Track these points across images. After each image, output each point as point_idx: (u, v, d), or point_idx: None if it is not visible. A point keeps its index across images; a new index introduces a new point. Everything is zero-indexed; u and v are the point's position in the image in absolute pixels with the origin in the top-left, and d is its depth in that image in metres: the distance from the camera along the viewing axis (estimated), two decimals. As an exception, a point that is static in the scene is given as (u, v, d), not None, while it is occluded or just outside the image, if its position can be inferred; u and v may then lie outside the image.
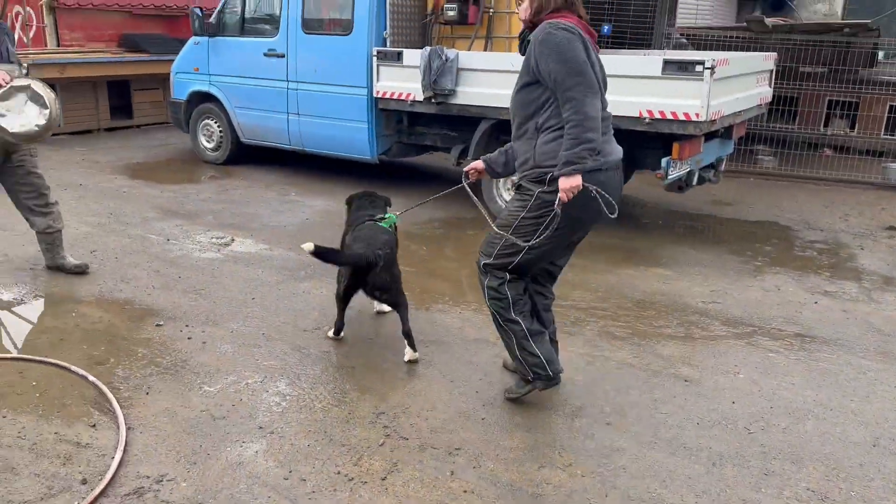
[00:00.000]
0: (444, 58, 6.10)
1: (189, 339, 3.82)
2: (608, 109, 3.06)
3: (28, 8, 9.38)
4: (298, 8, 7.12)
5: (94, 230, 5.60)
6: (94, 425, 2.98)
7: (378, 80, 6.67)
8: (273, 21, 7.48)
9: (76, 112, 9.48)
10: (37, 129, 4.00)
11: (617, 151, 3.07)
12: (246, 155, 8.09)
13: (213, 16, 7.73)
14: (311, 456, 2.84)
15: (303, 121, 7.32)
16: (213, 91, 7.87)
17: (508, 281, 3.15)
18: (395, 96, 6.63)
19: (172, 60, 8.50)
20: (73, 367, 3.41)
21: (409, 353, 3.64)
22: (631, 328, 4.19)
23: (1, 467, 2.67)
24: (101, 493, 2.54)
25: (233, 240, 5.54)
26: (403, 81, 6.52)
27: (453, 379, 3.50)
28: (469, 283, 4.86)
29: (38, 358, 3.51)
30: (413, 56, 6.35)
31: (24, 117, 3.94)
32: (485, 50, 6.87)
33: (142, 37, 10.25)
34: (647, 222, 6.62)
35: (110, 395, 3.17)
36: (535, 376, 3.21)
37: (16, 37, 8.83)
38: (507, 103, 5.96)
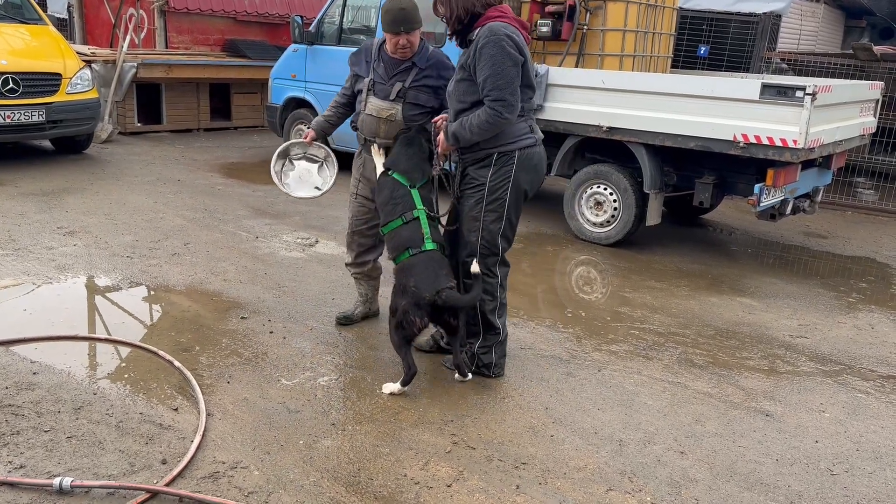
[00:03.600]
0: (533, 73, 6.09)
1: (271, 333, 3.95)
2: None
3: (141, 10, 9.94)
4: (394, 19, 7.26)
5: (189, 224, 5.86)
6: (176, 409, 3.11)
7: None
8: (369, 32, 7.67)
9: (179, 111, 9.99)
10: (314, 194, 4.19)
11: (537, 131, 3.46)
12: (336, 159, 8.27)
13: (313, 25, 7.99)
14: (379, 456, 2.87)
15: (390, 129, 7.45)
16: (308, 97, 8.12)
17: (501, 282, 3.54)
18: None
19: (271, 66, 8.84)
20: (161, 352, 3.58)
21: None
22: (711, 357, 4.06)
23: (89, 441, 2.82)
24: (179, 475, 2.65)
25: (317, 241, 5.69)
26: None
27: (523, 393, 3.48)
28: (544, 299, 4.83)
29: (128, 341, 3.70)
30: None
31: (309, 180, 4.16)
32: (576, 66, 6.83)
33: (244, 42, 10.70)
34: (735, 249, 6.41)
35: (193, 382, 3.30)
36: (474, 370, 3.56)
37: (129, 37, 9.38)
38: (596, 120, 5.97)
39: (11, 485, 2.50)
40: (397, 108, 3.69)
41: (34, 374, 3.29)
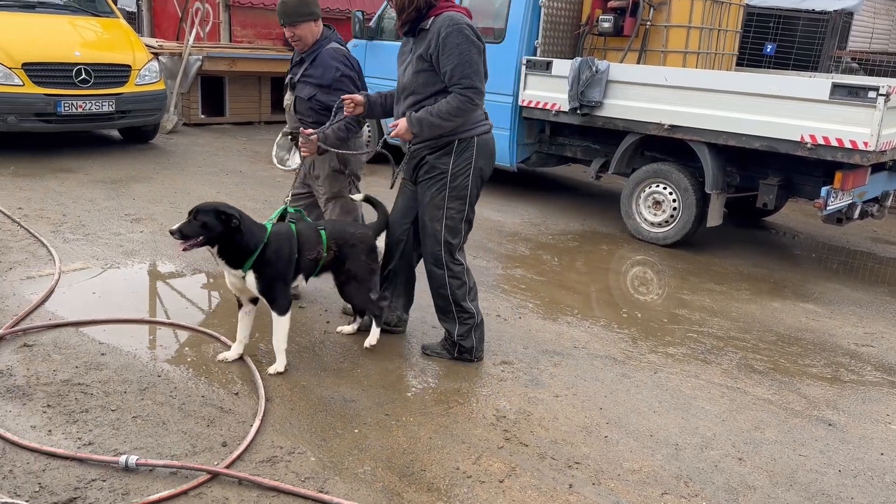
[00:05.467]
0: (594, 69, 6.04)
1: (328, 322, 4.01)
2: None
3: (207, 4, 10.19)
4: (454, 15, 7.27)
5: (251, 214, 5.97)
6: (236, 393, 3.19)
7: (524, 88, 6.70)
8: (428, 26, 7.69)
9: (241, 104, 10.20)
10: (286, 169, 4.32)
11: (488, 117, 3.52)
12: (392, 152, 8.33)
13: (373, 20, 8.06)
14: (432, 448, 2.89)
15: (448, 125, 7.46)
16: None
17: (466, 267, 3.61)
18: (539, 105, 6.63)
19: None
20: (222, 338, 3.67)
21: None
22: (773, 363, 3.95)
23: (154, 422, 2.92)
24: (239, 457, 2.72)
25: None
26: (550, 91, 6.51)
27: (577, 393, 3.46)
28: (598, 299, 4.78)
29: (191, 326, 3.81)
30: (562, 66, 6.33)
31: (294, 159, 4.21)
32: (638, 63, 6.73)
33: (304, 37, 10.88)
34: (798, 253, 6.22)
35: (253, 367, 3.38)
36: (455, 355, 3.65)
37: (194, 31, 9.63)
38: (657, 118, 5.88)
39: (81, 460, 2.60)
40: (291, 100, 3.95)
41: (102, 354, 3.42)
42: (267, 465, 2.70)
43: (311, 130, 3.64)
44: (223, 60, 9.64)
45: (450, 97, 3.24)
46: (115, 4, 10.61)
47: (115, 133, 8.44)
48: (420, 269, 3.75)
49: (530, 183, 8.09)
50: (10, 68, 6.69)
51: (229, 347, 3.56)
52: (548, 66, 6.50)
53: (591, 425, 3.18)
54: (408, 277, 3.84)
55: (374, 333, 3.65)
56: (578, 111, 6.22)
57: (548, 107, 6.56)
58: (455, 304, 3.59)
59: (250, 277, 3.27)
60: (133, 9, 12.94)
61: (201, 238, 3.14)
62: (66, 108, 6.96)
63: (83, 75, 7.04)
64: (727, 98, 5.51)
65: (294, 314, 4.02)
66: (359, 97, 3.55)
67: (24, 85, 6.74)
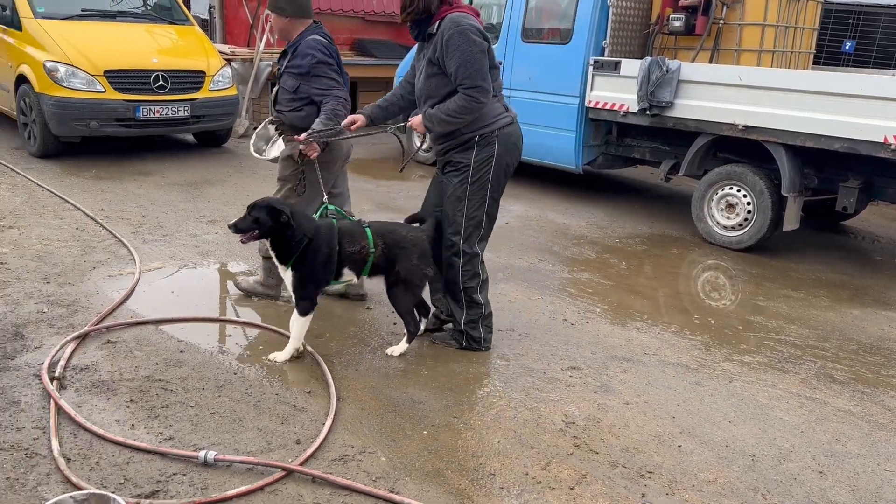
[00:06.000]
0: (664, 69, 5.92)
1: (395, 324, 4.04)
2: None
3: (277, 12, 10.42)
4: (520, 18, 7.26)
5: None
6: (309, 391, 3.25)
7: (592, 89, 6.62)
8: (494, 30, 7.69)
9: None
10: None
11: (511, 110, 3.57)
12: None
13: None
14: (500, 453, 2.89)
15: (512, 127, 7.44)
16: (431, 94, 8.24)
17: (482, 258, 3.67)
18: (607, 106, 6.55)
19: (396, 65, 9.03)
20: (294, 337, 3.75)
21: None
22: (853, 373, 3.79)
23: (230, 418, 3.00)
24: (312, 455, 2.77)
25: (437, 236, 5.77)
26: (618, 91, 6.42)
27: (648, 400, 3.39)
28: (669, 304, 4.68)
29: (265, 325, 3.91)
30: (632, 66, 6.23)
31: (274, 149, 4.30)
32: (710, 62, 6.56)
33: (371, 41, 11.00)
34: (879, 259, 5.95)
35: (325, 366, 3.44)
36: (464, 344, 3.74)
37: (265, 37, 9.87)
38: (731, 118, 5.74)
39: (162, 454, 2.70)
40: (275, 91, 4.10)
41: (181, 352, 3.53)
42: (339, 464, 2.75)
43: (302, 136, 3.69)
44: (292, 65, 9.82)
45: (456, 97, 3.35)
46: (189, 12, 10.97)
47: (190, 137, 8.73)
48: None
49: (596, 185, 7.99)
50: (92, 75, 6.99)
51: (304, 348, 3.63)
52: (616, 66, 6.41)
53: (664, 434, 3.11)
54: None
55: (401, 346, 3.67)
56: (648, 112, 6.11)
57: (616, 108, 6.47)
58: (465, 294, 3.67)
59: (288, 274, 3.46)
60: (205, 16, 13.35)
61: (256, 232, 3.36)
62: (145, 114, 7.24)
63: (160, 81, 7.30)
64: (805, 98, 5.32)
65: (361, 316, 4.10)
66: (359, 117, 3.68)
67: (105, 91, 7.03)
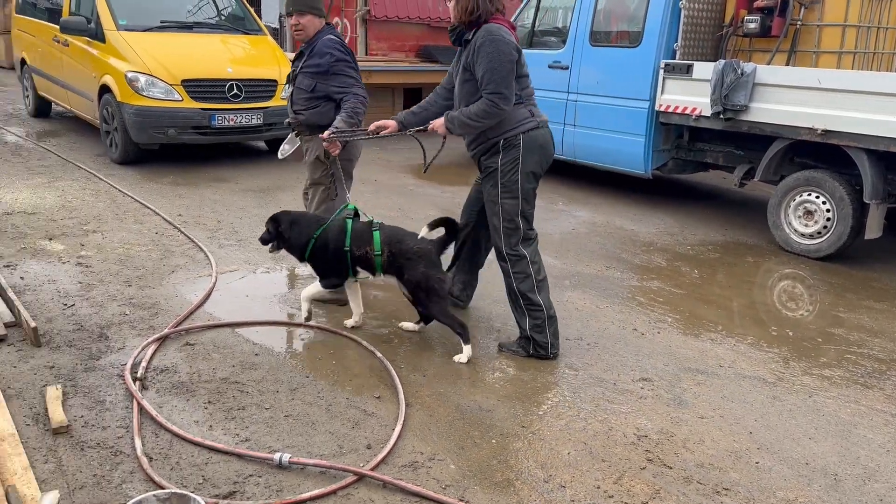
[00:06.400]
0: (739, 72, 5.75)
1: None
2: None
3: (345, 19, 10.62)
4: (588, 21, 7.19)
5: (385, 222, 6.15)
6: (378, 397, 3.29)
7: (662, 93, 6.49)
8: (561, 34, 7.64)
9: (376, 115, 10.43)
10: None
11: (540, 114, 3.64)
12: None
13: (505, 28, 8.10)
14: (570, 465, 2.85)
15: (578, 132, 7.38)
16: (497, 99, 8.23)
17: (531, 259, 3.69)
18: (678, 110, 6.40)
19: (462, 69, 9.04)
20: (364, 342, 3.80)
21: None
22: (946, 391, 3.60)
23: (304, 421, 3.06)
24: (383, 461, 2.80)
25: (503, 242, 5.75)
26: (690, 95, 6.28)
27: (723, 414, 3.29)
28: (744, 315, 4.54)
29: (335, 329, 3.97)
30: (704, 69, 6.08)
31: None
32: (787, 64, 6.35)
33: (435, 47, 11.08)
34: (971, 270, 5.63)
35: (393, 372, 3.47)
36: (531, 351, 3.74)
37: (334, 46, 10.09)
38: (809, 122, 5.54)
39: (239, 456, 2.78)
40: (290, 92, 4.23)
41: (256, 355, 3.63)
42: (409, 470, 2.77)
43: (325, 134, 3.91)
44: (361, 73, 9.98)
45: (479, 101, 3.47)
46: (261, 21, 11.27)
47: (262, 144, 8.96)
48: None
49: (666, 190, 7.82)
50: (171, 85, 7.27)
51: (371, 352, 3.68)
52: (688, 69, 6.27)
53: (741, 450, 3.02)
54: (472, 258, 4.09)
55: (465, 352, 3.68)
56: (721, 116, 5.95)
57: (687, 111, 6.33)
58: (522, 298, 3.71)
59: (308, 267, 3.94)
60: (276, 25, 13.71)
61: (274, 242, 3.87)
62: (219, 121, 7.47)
63: (234, 90, 7.53)
64: (889, 101, 5.08)
65: (430, 324, 4.12)
66: (391, 123, 3.82)
67: (182, 100, 7.29)
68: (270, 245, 3.89)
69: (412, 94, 10.82)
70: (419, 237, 3.70)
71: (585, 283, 4.91)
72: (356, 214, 3.86)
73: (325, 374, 3.48)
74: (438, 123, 3.66)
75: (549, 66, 7.51)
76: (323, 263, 3.85)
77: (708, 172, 7.68)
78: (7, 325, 3.67)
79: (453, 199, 7.07)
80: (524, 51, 8.18)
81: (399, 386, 3.34)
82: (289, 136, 4.47)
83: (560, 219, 6.57)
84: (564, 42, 7.44)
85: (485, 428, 3.08)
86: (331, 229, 3.80)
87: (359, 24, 11.02)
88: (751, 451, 3.01)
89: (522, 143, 3.56)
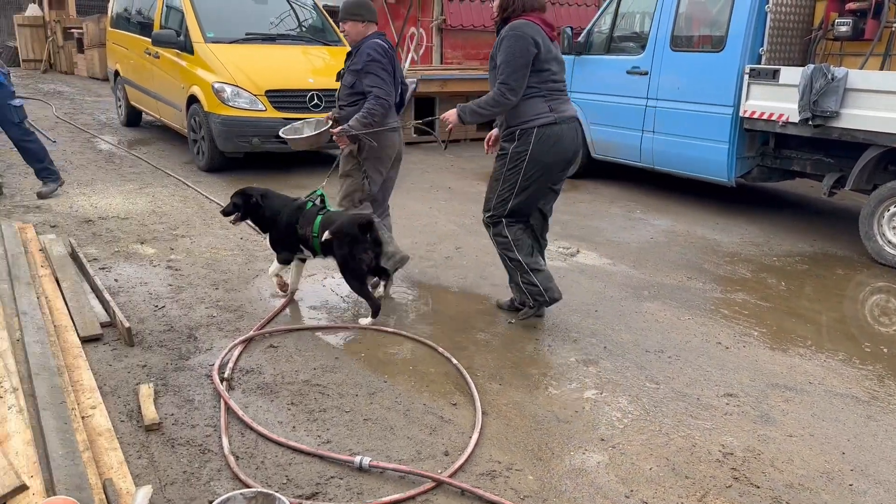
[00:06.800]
0: (829, 76, 5.52)
1: (536, 340, 4.03)
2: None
3: (421, 30, 10.76)
4: (669, 26, 7.05)
5: (459, 229, 6.20)
6: (455, 404, 3.30)
7: (747, 98, 6.29)
8: (640, 39, 7.52)
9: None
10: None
11: (562, 109, 3.82)
12: (591, 169, 8.24)
13: (582, 35, 8.03)
14: (652, 480, 2.79)
15: (657, 139, 7.23)
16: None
17: (507, 225, 3.98)
18: (763, 116, 6.19)
19: (537, 77, 9.00)
20: (440, 349, 3.82)
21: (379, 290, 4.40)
22: None
23: (382, 426, 3.10)
24: (460, 468, 2.80)
25: (578, 251, 5.69)
26: (776, 101, 6.06)
27: (814, 433, 3.15)
28: (834, 329, 4.33)
29: (412, 335, 4.01)
30: (792, 74, 5.86)
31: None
32: (881, 68, 6.05)
33: (511, 55, 11.08)
34: None
35: (469, 380, 3.48)
36: (535, 302, 4.07)
37: (410, 55, 10.21)
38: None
39: (321, 457, 2.83)
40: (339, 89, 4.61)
41: (336, 358, 3.70)
42: (486, 479, 2.76)
43: (337, 129, 4.37)
44: (435, 82, 10.09)
45: (492, 90, 3.77)
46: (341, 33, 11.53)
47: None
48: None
49: (750, 198, 7.57)
50: (255, 95, 7.52)
51: (448, 360, 3.70)
52: (775, 74, 6.06)
53: (833, 471, 2.88)
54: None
55: (367, 320, 4.11)
56: (810, 122, 5.71)
57: (773, 118, 6.11)
58: (506, 260, 4.07)
59: (267, 237, 4.42)
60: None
61: (237, 214, 4.30)
62: (300, 130, 7.67)
63: (315, 100, 7.72)
64: None
65: (503, 330, 4.11)
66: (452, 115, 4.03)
67: (266, 110, 7.54)
68: (234, 216, 4.33)
69: (486, 102, 10.86)
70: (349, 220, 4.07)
71: (665, 293, 4.80)
72: (322, 200, 4.31)
73: (403, 380, 3.51)
74: (451, 113, 3.98)
75: (628, 72, 7.39)
76: (278, 238, 4.32)
77: (795, 180, 7.39)
78: (103, 325, 3.86)
79: (528, 207, 7.03)
80: (601, 57, 8.13)
81: (475, 394, 3.34)
82: (315, 121, 4.89)
83: (638, 227, 6.45)
84: (643, 47, 7.32)
85: (563, 439, 3.05)
86: (291, 209, 4.26)
87: (434, 33, 11.13)
88: (844, 472, 2.87)
89: (534, 137, 3.77)
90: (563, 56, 8.13)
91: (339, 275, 4.91)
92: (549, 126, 3.76)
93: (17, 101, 6.41)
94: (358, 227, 4.00)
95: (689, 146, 6.89)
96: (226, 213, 4.37)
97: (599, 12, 8.00)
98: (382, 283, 4.46)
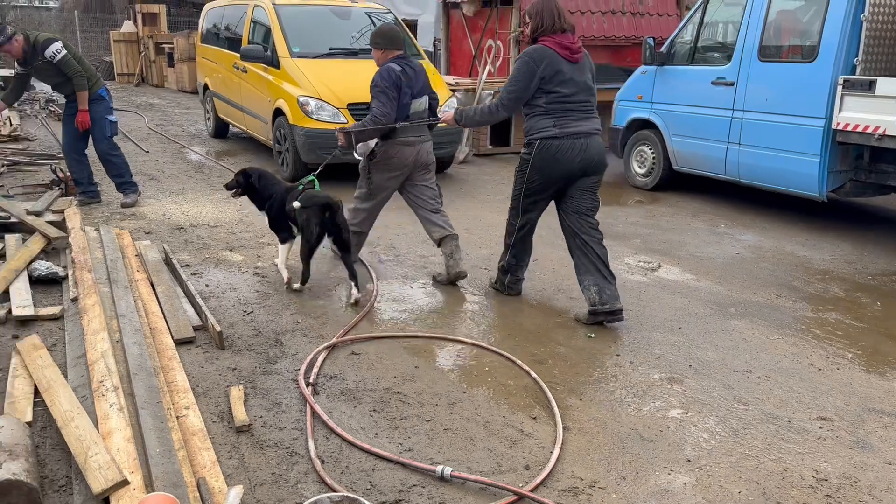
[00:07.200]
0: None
1: (618, 356, 3.96)
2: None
3: (499, 42, 10.77)
4: (757, 35, 6.84)
5: (536, 241, 6.09)
6: (534, 418, 3.28)
7: (840, 110, 6.04)
8: (725, 49, 7.33)
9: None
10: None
11: (567, 125, 4.19)
12: (672, 181, 8.07)
13: (665, 45, 7.89)
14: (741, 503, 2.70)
15: (743, 151, 7.02)
16: (653, 118, 8.03)
17: (520, 218, 4.55)
18: (858, 129, 5.93)
19: (614, 88, 8.94)
20: (519, 361, 3.81)
21: (354, 294, 4.60)
22: None
23: (462, 436, 3.11)
24: (542, 483, 2.78)
25: (659, 265, 5.58)
26: (872, 113, 5.80)
27: (917, 463, 2.99)
28: (940, 354, 4.09)
29: (490, 347, 4.01)
30: (890, 85, 5.60)
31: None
32: None
33: (588, 66, 10.98)
34: None
35: (549, 394, 3.45)
36: (500, 284, 4.90)
37: (487, 67, 10.25)
38: None
39: (403, 465, 2.87)
40: None
41: (415, 367, 3.74)
42: (568, 495, 2.73)
43: (337, 128, 5.18)
44: (512, 93, 10.07)
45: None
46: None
47: (416, 163, 9.27)
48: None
49: (842, 214, 7.25)
50: (337, 108, 7.71)
51: (527, 373, 3.68)
52: (871, 85, 5.80)
53: (940, 505, 2.72)
54: (589, 260, 4.35)
55: (291, 281, 4.77)
56: (910, 135, 5.44)
57: (869, 130, 5.84)
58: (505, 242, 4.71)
59: (266, 218, 4.97)
60: (429, 48, 14.18)
61: (237, 189, 4.95)
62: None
63: (394, 112, 7.84)
64: None
65: (582, 344, 4.06)
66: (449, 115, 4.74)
67: (347, 122, 7.70)
68: (234, 191, 4.97)
69: (563, 114, 10.78)
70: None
71: (753, 312, 4.65)
72: (312, 184, 4.88)
73: (482, 391, 3.52)
74: (448, 117, 4.69)
75: (713, 83, 7.22)
76: (273, 216, 4.89)
77: (891, 196, 7.04)
78: (195, 329, 4.02)
79: (604, 220, 6.91)
80: (684, 67, 7.96)
81: (556, 408, 3.31)
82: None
83: (723, 242, 6.27)
84: (729, 58, 7.13)
85: (647, 459, 2.99)
86: (282, 190, 4.87)
87: (512, 45, 11.15)
88: (953, 507, 2.71)
89: (536, 148, 4.24)
90: (645, 67, 8.11)
91: (416, 285, 5.00)
92: (549, 140, 4.18)
93: (113, 117, 6.76)
94: (321, 206, 4.56)
95: (778, 159, 6.66)
96: (228, 187, 5.03)
97: (683, 22, 7.86)
98: (353, 284, 4.68)
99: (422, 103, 4.97)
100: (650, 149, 8.19)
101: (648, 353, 4.02)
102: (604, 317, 4.27)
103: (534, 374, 3.66)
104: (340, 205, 4.63)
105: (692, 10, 7.73)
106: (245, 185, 4.94)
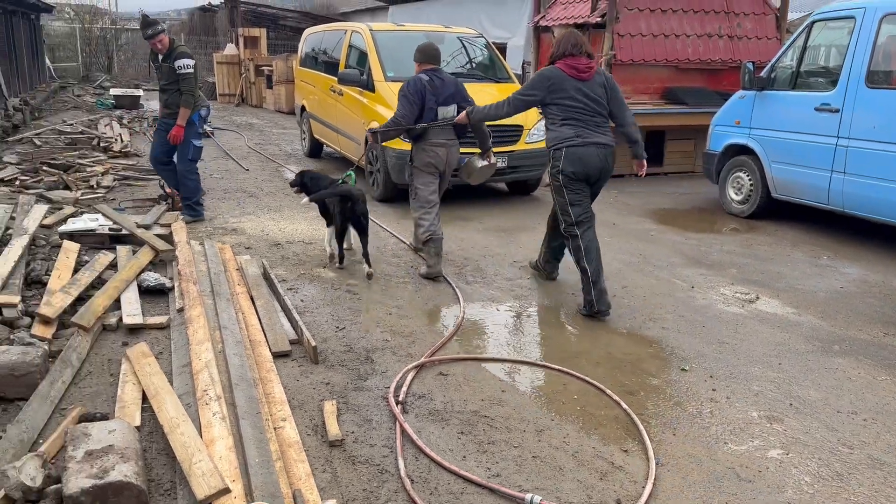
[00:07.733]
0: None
1: (713, 390, 3.84)
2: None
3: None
4: (865, 60, 6.54)
5: (625, 267, 6.07)
6: (626, 450, 3.22)
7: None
8: (830, 74, 7.04)
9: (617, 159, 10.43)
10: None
11: (588, 136, 4.77)
12: (769, 210, 7.78)
13: (765, 70, 7.66)
14: (848, 555, 2.55)
15: (848, 180, 6.70)
16: (751, 144, 7.78)
17: (581, 235, 4.89)
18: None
19: (708, 112, 8.70)
20: (608, 391, 3.75)
21: (366, 269, 5.42)
22: None
23: (551, 465, 3.09)
24: (633, 517, 2.73)
25: (757, 297, 5.38)
26: None
27: None
28: None
29: (580, 375, 3.96)
30: None
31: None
32: None
33: (682, 89, 10.75)
34: None
35: (641, 427, 3.38)
36: (583, 310, 4.92)
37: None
38: None
39: (491, 490, 2.87)
40: None
41: (503, 391, 3.74)
42: (661, 533, 2.66)
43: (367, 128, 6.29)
44: (602, 116, 9.99)
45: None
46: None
47: (503, 186, 9.31)
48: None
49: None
50: (428, 130, 7.83)
51: (618, 403, 3.62)
52: None
53: None
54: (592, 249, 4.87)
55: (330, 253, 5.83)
56: None
57: None
58: (575, 263, 4.96)
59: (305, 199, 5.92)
60: (518, 71, 14.24)
61: (297, 188, 6.05)
62: (469, 164, 7.89)
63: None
64: None
65: (677, 377, 3.96)
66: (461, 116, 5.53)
67: (437, 144, 7.82)
68: (297, 188, 6.05)
69: (652, 137, 10.59)
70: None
71: (858, 349, 4.41)
72: (349, 179, 5.77)
73: (571, 420, 3.48)
74: (461, 116, 5.42)
75: (816, 109, 6.94)
76: (321, 206, 5.87)
77: None
78: (291, 342, 4.16)
79: (699, 247, 6.76)
80: (786, 92, 7.72)
81: (648, 442, 3.24)
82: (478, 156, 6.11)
83: (826, 275, 5.98)
84: (834, 83, 6.84)
85: (745, 500, 2.88)
86: (327, 184, 5.78)
87: (604, 67, 11.07)
88: None
89: (563, 155, 4.75)
90: (743, 92, 7.87)
91: (503, 307, 5.01)
92: (573, 147, 4.73)
93: (199, 142, 7.08)
94: (341, 196, 5.47)
95: (887, 190, 6.32)
96: (293, 184, 6.13)
97: (785, 46, 7.60)
98: (366, 262, 5.46)
99: (449, 110, 5.61)
100: (747, 175, 7.93)
101: (746, 388, 3.87)
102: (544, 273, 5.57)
103: (625, 406, 3.60)
104: (362, 195, 5.46)
105: (795, 34, 7.47)
106: (300, 183, 5.98)
